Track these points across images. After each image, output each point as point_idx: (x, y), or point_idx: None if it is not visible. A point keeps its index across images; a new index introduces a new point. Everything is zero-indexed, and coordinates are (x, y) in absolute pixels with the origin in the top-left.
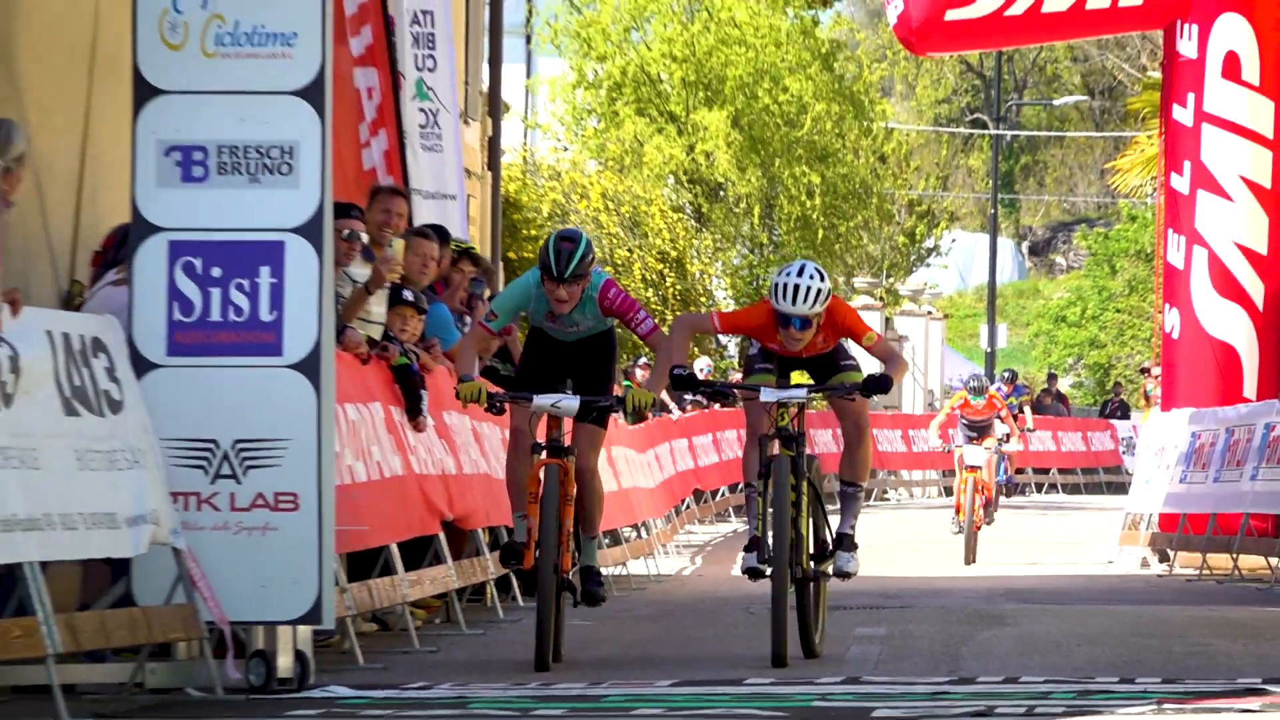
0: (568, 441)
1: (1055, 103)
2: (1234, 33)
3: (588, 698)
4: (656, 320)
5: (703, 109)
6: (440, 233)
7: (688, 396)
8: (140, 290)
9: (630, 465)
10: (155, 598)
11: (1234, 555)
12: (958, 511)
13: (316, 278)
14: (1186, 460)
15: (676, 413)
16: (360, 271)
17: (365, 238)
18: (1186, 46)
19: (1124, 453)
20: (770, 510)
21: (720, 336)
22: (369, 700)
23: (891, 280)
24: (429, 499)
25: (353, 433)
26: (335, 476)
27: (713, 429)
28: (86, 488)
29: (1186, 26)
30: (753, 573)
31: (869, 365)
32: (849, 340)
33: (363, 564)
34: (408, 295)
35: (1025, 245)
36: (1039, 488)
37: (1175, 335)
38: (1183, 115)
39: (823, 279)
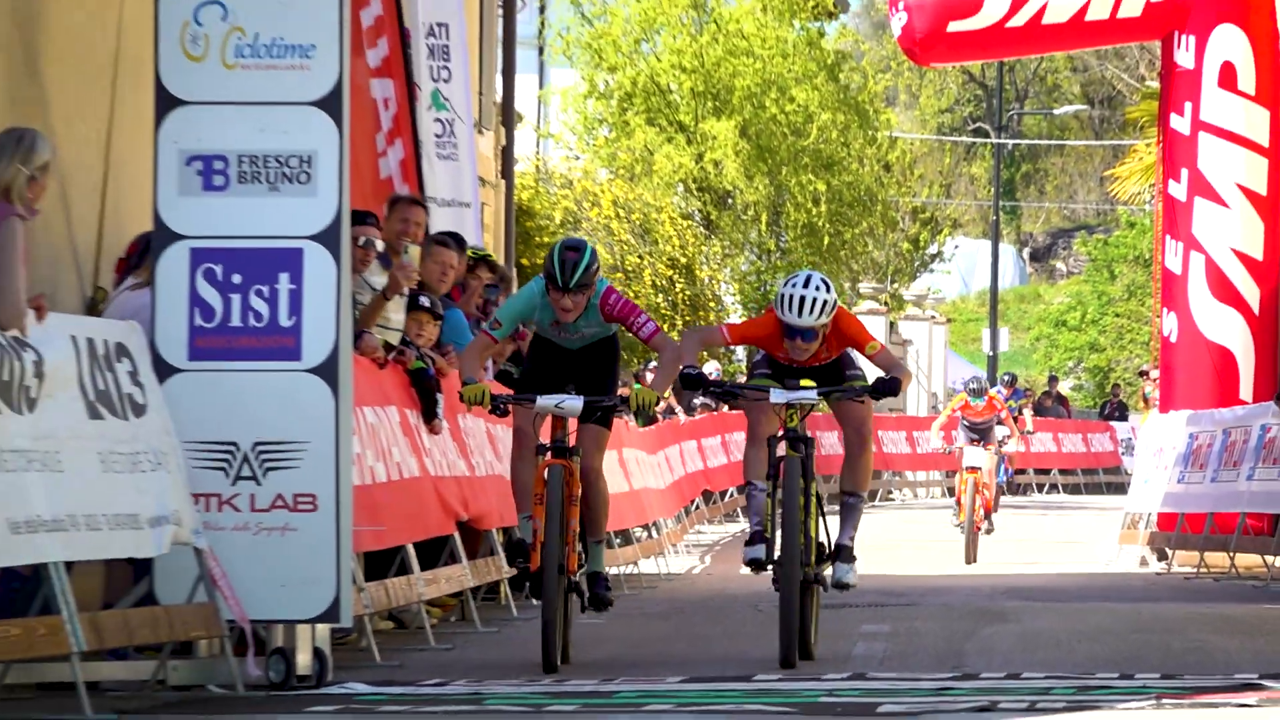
0: (572, 442)
1: (1056, 112)
2: (1230, 43)
3: (600, 694)
4: (666, 325)
5: (711, 118)
6: (457, 240)
7: (697, 400)
8: (162, 296)
9: (641, 466)
10: (177, 597)
11: (1231, 554)
12: (959, 510)
13: (334, 284)
14: (1184, 461)
15: (684, 417)
16: (378, 279)
17: (380, 245)
18: (1184, 57)
19: (1123, 454)
20: (779, 512)
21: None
22: (386, 696)
23: (896, 285)
24: (444, 500)
25: (372, 435)
26: (357, 477)
27: (721, 431)
28: (110, 489)
29: (1184, 37)
30: (755, 564)
31: (872, 375)
32: (853, 351)
33: (380, 563)
34: (424, 301)
35: (1026, 251)
36: (1040, 488)
37: (1173, 339)
38: (1180, 124)
39: (828, 290)
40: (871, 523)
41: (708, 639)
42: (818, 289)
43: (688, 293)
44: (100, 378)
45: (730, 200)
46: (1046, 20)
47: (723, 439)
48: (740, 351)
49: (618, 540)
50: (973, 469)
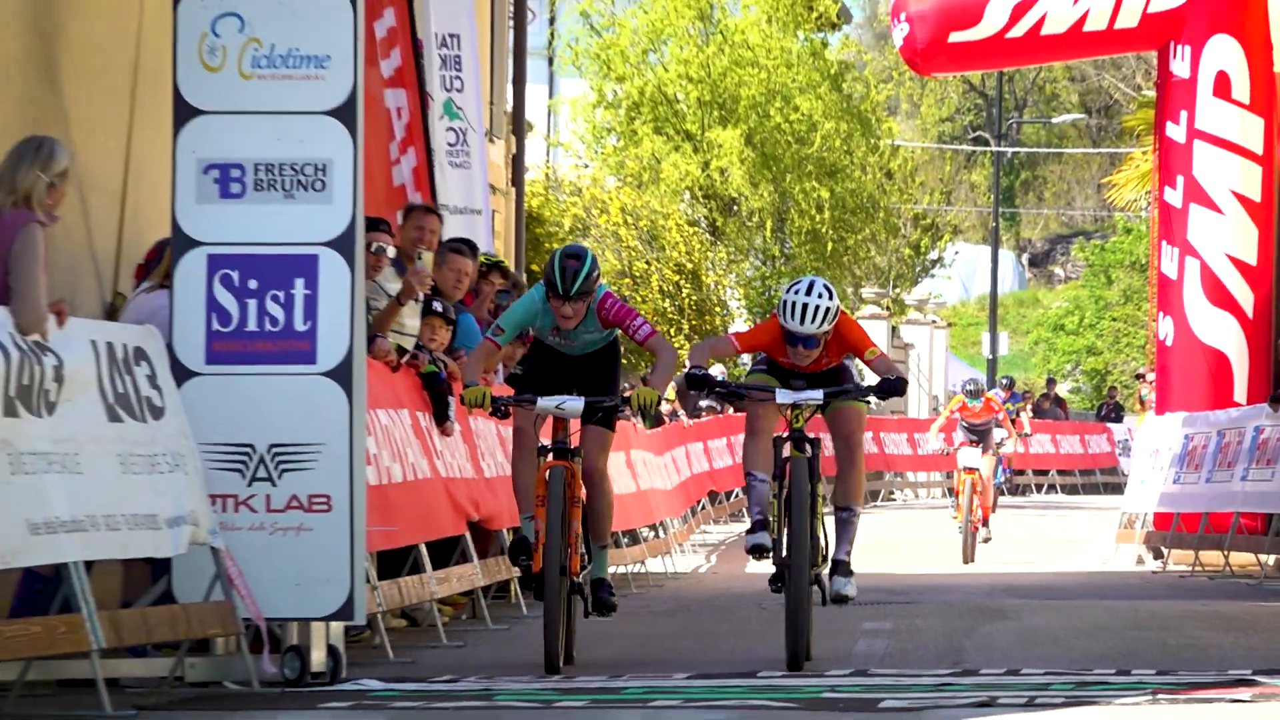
0: (574, 444)
1: (1054, 120)
2: (1225, 53)
3: (608, 690)
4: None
5: (717, 127)
6: (471, 247)
7: (702, 403)
8: (180, 301)
9: (648, 467)
10: (194, 595)
11: (1225, 552)
12: (957, 509)
13: (349, 289)
14: (1180, 462)
15: (688, 421)
16: (393, 285)
17: (392, 251)
18: (1179, 67)
19: (1120, 455)
20: (785, 513)
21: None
22: (398, 693)
23: (898, 291)
24: (456, 501)
25: (387, 436)
26: (374, 477)
27: (726, 433)
28: (129, 490)
29: (1179, 48)
30: (758, 550)
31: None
32: (853, 358)
33: (393, 563)
34: (437, 306)
35: (1025, 257)
36: (1038, 488)
37: (1169, 342)
38: (1176, 132)
39: (831, 297)
40: (873, 522)
41: (713, 636)
42: (820, 296)
43: (694, 298)
44: (119, 381)
45: (736, 207)
46: (1045, 31)
47: (728, 441)
48: (745, 356)
49: (625, 540)
50: (970, 469)
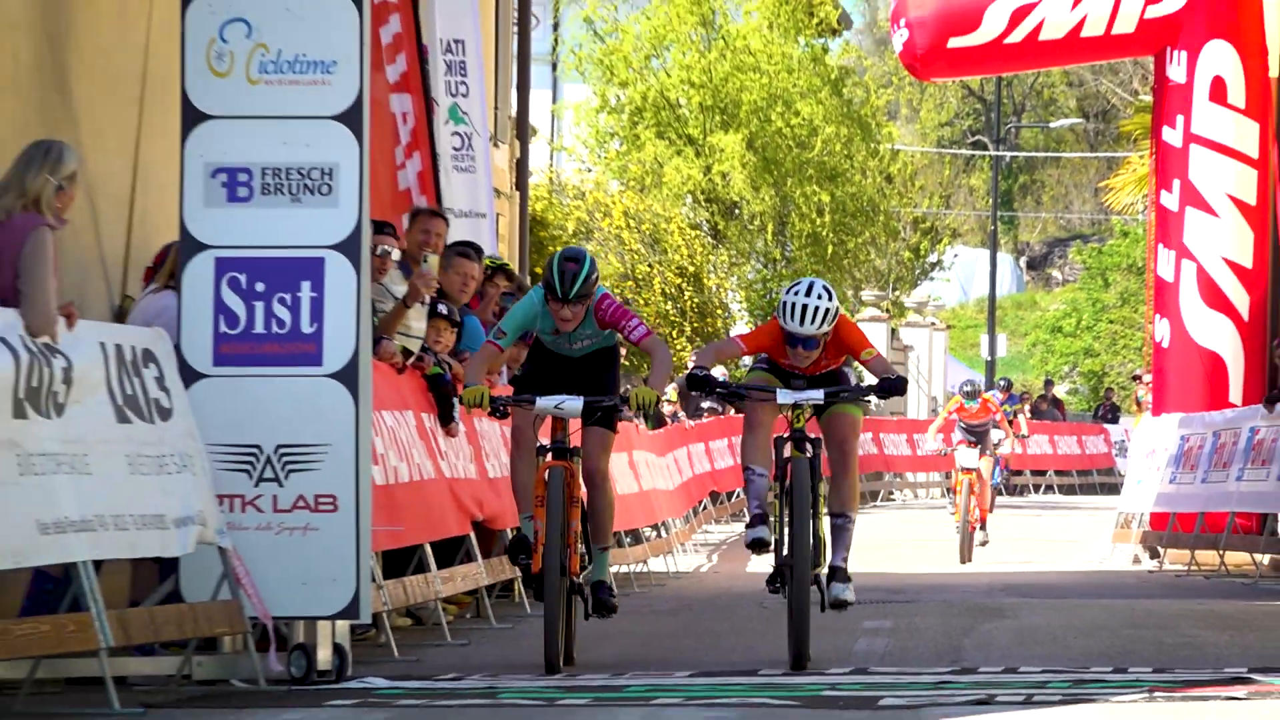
0: (574, 443)
1: (1052, 125)
2: (1221, 59)
3: (611, 688)
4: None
5: (719, 132)
6: (476, 250)
7: (704, 405)
8: (188, 304)
9: (651, 468)
10: (202, 594)
11: (1221, 552)
12: (955, 508)
13: (354, 292)
14: (1176, 462)
15: (689, 423)
16: (399, 287)
17: (396, 254)
18: (1176, 72)
19: (1117, 455)
20: (788, 513)
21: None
22: (403, 690)
23: (897, 293)
24: (460, 501)
25: (392, 437)
26: (381, 476)
27: (728, 434)
28: (137, 491)
29: (1176, 53)
30: (758, 544)
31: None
32: (852, 363)
33: (398, 562)
34: (442, 309)
35: (1023, 260)
36: (1036, 489)
37: (1165, 344)
38: (1172, 136)
39: (830, 298)
40: (873, 522)
41: (715, 635)
42: (819, 297)
43: (696, 300)
44: (128, 383)
45: (737, 211)
46: (1043, 36)
47: (729, 442)
48: (746, 357)
49: (628, 539)
50: (967, 470)
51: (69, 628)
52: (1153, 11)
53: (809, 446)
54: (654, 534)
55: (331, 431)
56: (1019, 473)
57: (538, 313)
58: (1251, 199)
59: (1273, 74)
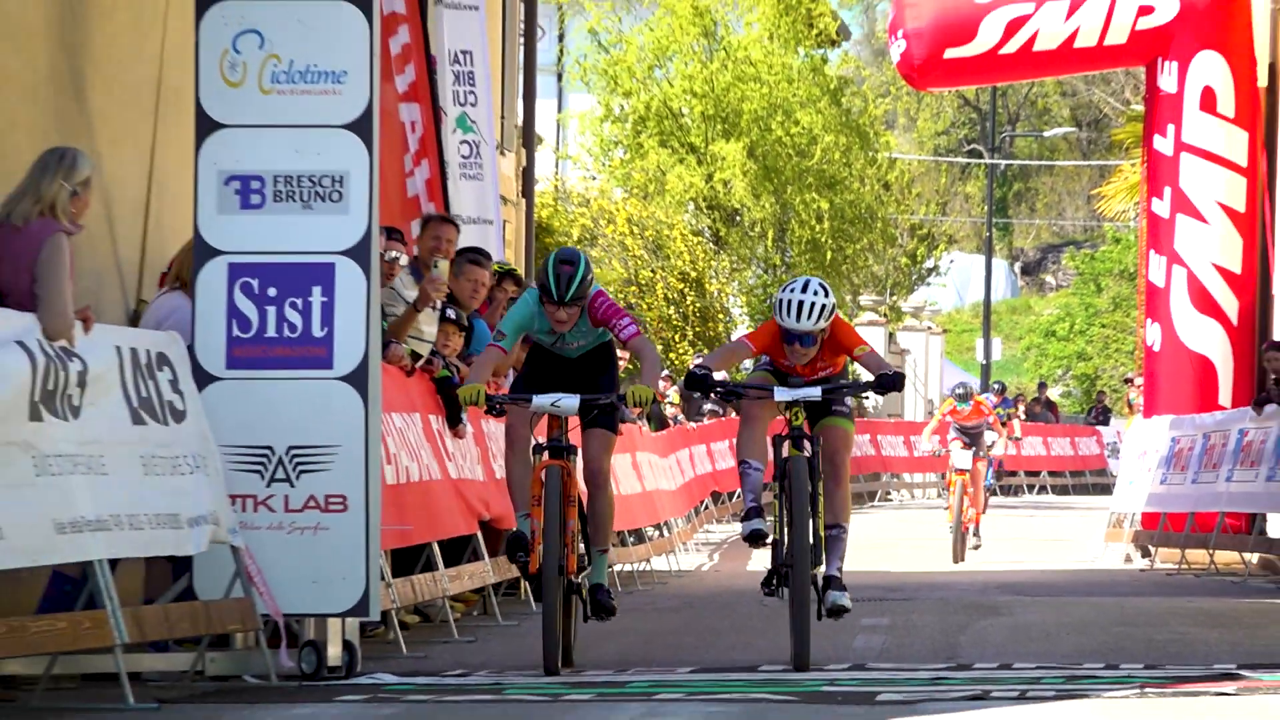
0: (574, 443)
1: (1045, 134)
2: (1211, 69)
3: (614, 684)
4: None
5: (720, 140)
6: (485, 256)
7: (706, 406)
8: (202, 308)
9: (653, 469)
10: (215, 592)
11: (1210, 551)
12: (949, 508)
13: (364, 296)
14: (1167, 463)
15: (691, 424)
16: (410, 292)
17: (405, 259)
18: (1167, 82)
19: (1109, 456)
20: (786, 513)
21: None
22: (412, 686)
23: (894, 298)
24: (467, 501)
25: (401, 439)
26: (392, 476)
27: (729, 436)
28: (151, 491)
29: (1167, 63)
30: (755, 536)
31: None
32: (848, 371)
33: (407, 561)
34: (450, 313)
35: (1018, 265)
36: (1030, 489)
37: (1156, 348)
38: (1163, 145)
39: (826, 294)
40: (870, 522)
41: (716, 632)
42: (816, 294)
43: (698, 305)
44: (143, 385)
45: (738, 217)
46: (1037, 47)
47: (730, 443)
48: (747, 361)
49: (631, 538)
50: (960, 470)
51: (85, 624)
52: (1144, 23)
53: (807, 445)
54: (656, 533)
55: (342, 433)
56: (1013, 473)
57: (534, 314)
58: (1241, 206)
59: (1261, 84)
